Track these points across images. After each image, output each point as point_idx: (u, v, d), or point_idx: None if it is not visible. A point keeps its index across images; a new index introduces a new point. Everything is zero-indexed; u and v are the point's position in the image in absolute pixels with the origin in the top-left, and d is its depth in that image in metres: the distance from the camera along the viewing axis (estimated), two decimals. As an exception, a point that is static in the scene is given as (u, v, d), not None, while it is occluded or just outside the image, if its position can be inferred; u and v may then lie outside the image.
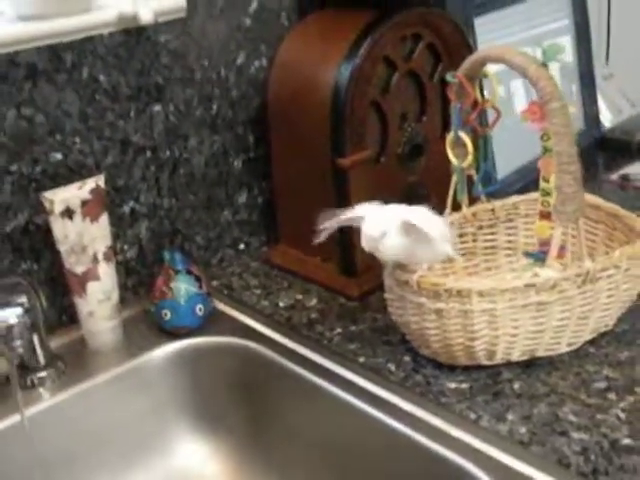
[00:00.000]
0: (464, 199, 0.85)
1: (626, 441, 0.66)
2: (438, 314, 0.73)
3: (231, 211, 1.04)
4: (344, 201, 0.91)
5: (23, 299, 0.70)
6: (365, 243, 0.72)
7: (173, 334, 0.88)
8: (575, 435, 0.68)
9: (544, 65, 0.71)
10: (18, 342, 0.62)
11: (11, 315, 0.61)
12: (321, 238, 0.74)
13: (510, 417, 0.71)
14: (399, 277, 0.75)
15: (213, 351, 0.88)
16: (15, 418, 0.78)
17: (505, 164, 1.12)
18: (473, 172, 0.84)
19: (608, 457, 0.65)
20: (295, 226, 1.00)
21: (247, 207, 1.05)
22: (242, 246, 1.06)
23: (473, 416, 0.71)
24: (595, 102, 1.33)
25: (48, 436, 0.80)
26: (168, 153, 0.96)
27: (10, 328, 0.61)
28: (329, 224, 0.74)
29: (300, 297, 0.94)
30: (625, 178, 1.20)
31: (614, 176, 1.22)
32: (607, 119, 1.37)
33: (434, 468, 0.69)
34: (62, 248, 0.83)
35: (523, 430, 0.69)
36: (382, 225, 0.71)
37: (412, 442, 0.70)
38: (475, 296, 0.71)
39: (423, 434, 0.70)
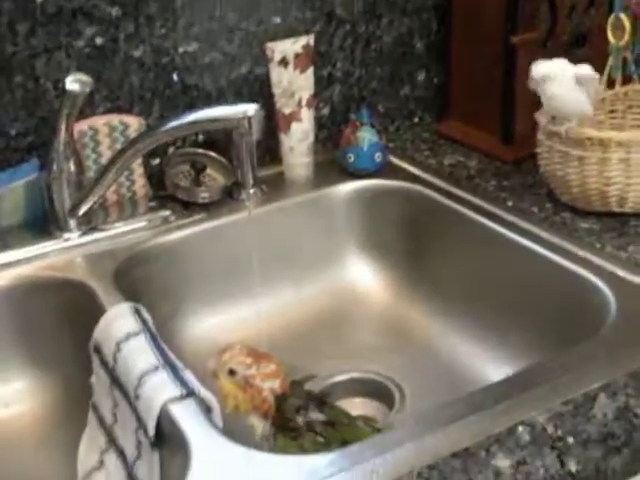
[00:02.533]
0: (618, 78, 0.97)
1: None
2: (580, 161, 0.87)
3: (410, 87, 1.21)
4: (511, 79, 1.06)
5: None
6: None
7: (354, 175, 1.07)
8: (684, 264, 0.81)
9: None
10: (255, 133, 0.80)
11: (250, 108, 0.79)
12: None
13: (631, 248, 0.85)
14: (551, 129, 0.89)
15: (385, 191, 1.06)
16: (229, 218, 1.00)
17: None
18: (628, 53, 0.96)
19: None
20: (465, 103, 1.16)
21: (424, 85, 1.21)
22: (416, 119, 1.23)
23: (599, 245, 0.86)
24: None
25: (248, 240, 1.01)
26: (364, 28, 1.13)
27: (250, 119, 0.80)
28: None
29: (462, 159, 1.10)
30: None
31: None
32: None
33: (564, 280, 0.84)
34: (276, 91, 1.03)
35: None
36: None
37: (547, 260, 0.86)
38: (614, 145, 0.85)
39: (557, 254, 0.85)
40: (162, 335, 0.76)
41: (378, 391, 0.91)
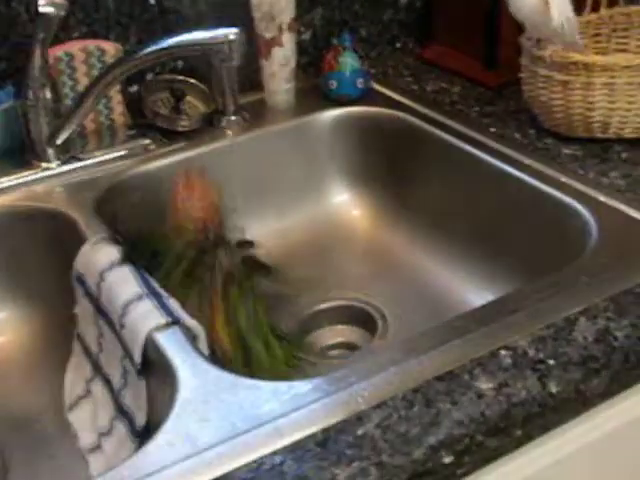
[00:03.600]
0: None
1: None
2: (564, 86, 0.86)
3: (393, 11, 1.18)
4: (495, 2, 1.03)
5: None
6: None
7: (336, 102, 1.05)
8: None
9: None
10: (236, 58, 0.78)
11: (231, 32, 0.77)
12: None
13: (613, 174, 0.85)
14: (535, 53, 0.88)
15: (368, 118, 1.05)
16: (210, 146, 0.99)
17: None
18: (615, -26, 0.94)
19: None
20: (448, 26, 1.14)
21: (407, 9, 1.19)
22: (398, 45, 1.21)
23: (581, 172, 0.86)
24: None
25: (229, 168, 1.00)
26: (345, -51, 1.10)
27: (230, 43, 0.78)
28: None
29: (445, 85, 1.09)
30: None
31: None
32: None
33: (547, 206, 0.84)
34: (256, 15, 1.01)
35: (621, 182, 0.83)
36: None
37: (529, 186, 0.85)
38: (598, 70, 0.84)
39: (539, 180, 0.85)
40: (144, 265, 0.76)
41: (361, 318, 0.92)
